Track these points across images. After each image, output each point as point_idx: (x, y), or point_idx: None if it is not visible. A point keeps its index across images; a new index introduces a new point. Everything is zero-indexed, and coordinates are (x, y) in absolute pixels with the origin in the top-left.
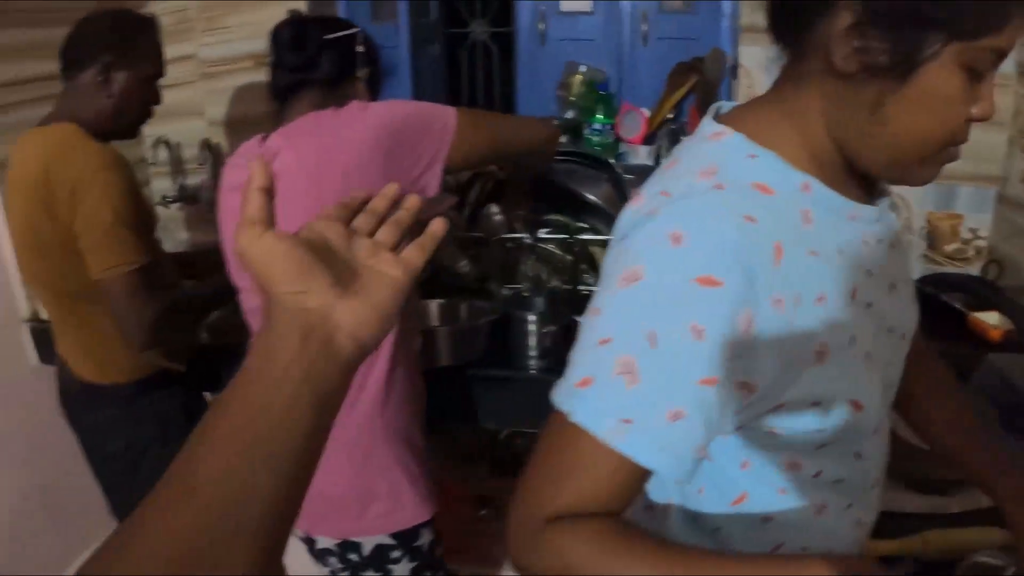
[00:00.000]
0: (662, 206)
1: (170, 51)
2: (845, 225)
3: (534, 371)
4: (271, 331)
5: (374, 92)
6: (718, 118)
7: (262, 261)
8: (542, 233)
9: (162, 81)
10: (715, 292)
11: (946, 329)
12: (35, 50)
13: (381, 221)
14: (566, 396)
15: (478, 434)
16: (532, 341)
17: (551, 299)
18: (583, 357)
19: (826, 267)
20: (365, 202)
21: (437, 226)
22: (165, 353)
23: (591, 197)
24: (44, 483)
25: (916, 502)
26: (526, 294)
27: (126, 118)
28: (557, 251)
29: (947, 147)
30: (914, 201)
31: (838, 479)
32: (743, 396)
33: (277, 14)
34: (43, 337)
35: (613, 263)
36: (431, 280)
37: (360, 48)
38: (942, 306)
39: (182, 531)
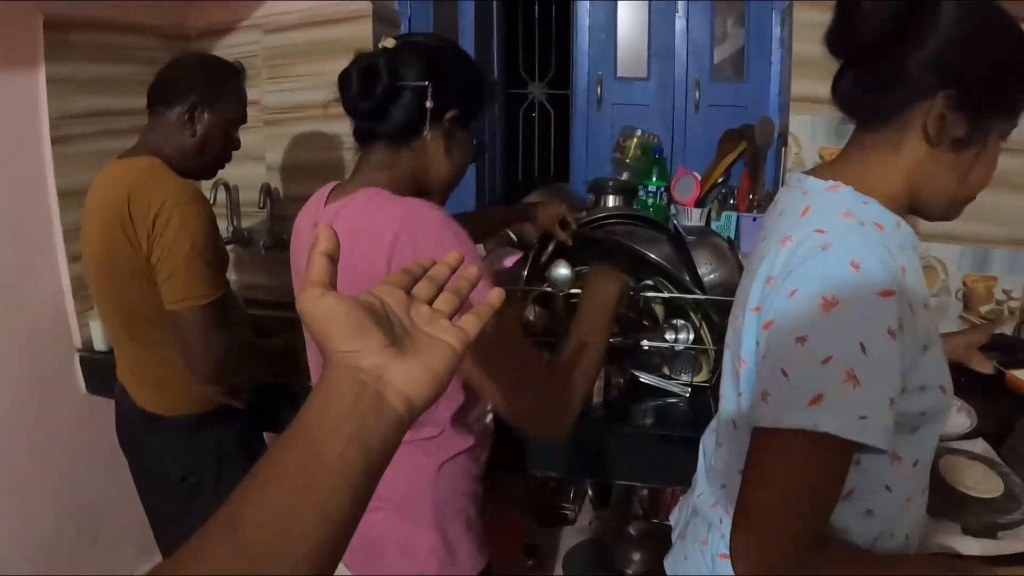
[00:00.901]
0: (832, 241)
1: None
2: (913, 251)
3: (596, 422)
4: (326, 386)
5: (468, 146)
6: (814, 174)
7: (321, 321)
8: None
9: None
10: (892, 301)
11: (984, 387)
12: (104, 84)
13: (440, 289)
14: (803, 415)
15: (527, 482)
16: (597, 385)
17: (614, 353)
18: (806, 379)
19: (920, 283)
20: (426, 270)
21: (494, 296)
22: (227, 390)
23: (652, 256)
24: (83, 510)
25: (972, 546)
26: None
27: (205, 158)
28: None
29: None
30: (951, 264)
31: (925, 464)
32: None
33: (340, 68)
34: (93, 367)
35: (791, 292)
36: None
37: (439, 108)
38: None
39: (224, 568)
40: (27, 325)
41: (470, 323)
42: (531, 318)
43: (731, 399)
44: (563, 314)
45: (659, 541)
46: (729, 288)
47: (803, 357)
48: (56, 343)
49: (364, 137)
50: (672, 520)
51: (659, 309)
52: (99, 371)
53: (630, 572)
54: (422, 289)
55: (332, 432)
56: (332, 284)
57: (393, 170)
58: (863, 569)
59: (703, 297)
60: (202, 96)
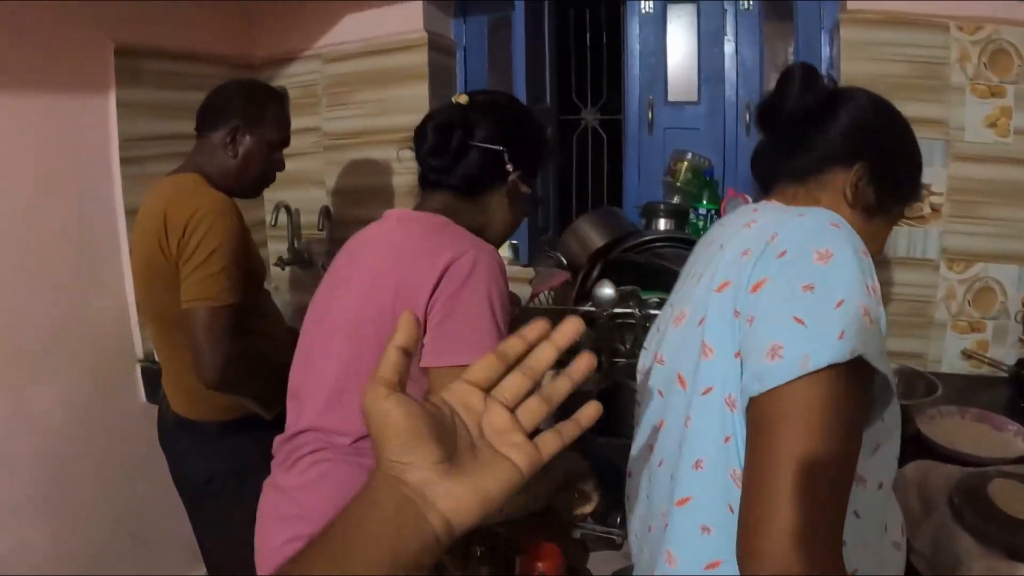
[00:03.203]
0: (805, 212)
1: (296, 122)
2: None
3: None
4: (368, 495)
5: (527, 200)
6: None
7: (379, 422)
8: (650, 310)
9: (287, 150)
10: (870, 260)
11: None
12: (171, 110)
13: (534, 384)
14: (835, 348)
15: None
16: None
17: None
18: (825, 321)
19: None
20: (528, 349)
21: (591, 411)
22: (253, 398)
23: None
24: (137, 516)
25: (1021, 571)
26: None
27: (246, 178)
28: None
29: None
30: (1009, 286)
31: (887, 488)
32: None
33: (397, 95)
34: (151, 377)
35: (780, 252)
36: None
37: (510, 168)
38: None
39: None
40: (92, 336)
41: (548, 443)
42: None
43: (677, 410)
44: (608, 332)
45: None
46: None
47: (816, 303)
48: (119, 354)
49: (430, 186)
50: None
51: None
52: (156, 381)
53: None
54: (510, 387)
55: (364, 548)
56: (402, 384)
57: (454, 217)
58: None
59: None
60: (244, 119)
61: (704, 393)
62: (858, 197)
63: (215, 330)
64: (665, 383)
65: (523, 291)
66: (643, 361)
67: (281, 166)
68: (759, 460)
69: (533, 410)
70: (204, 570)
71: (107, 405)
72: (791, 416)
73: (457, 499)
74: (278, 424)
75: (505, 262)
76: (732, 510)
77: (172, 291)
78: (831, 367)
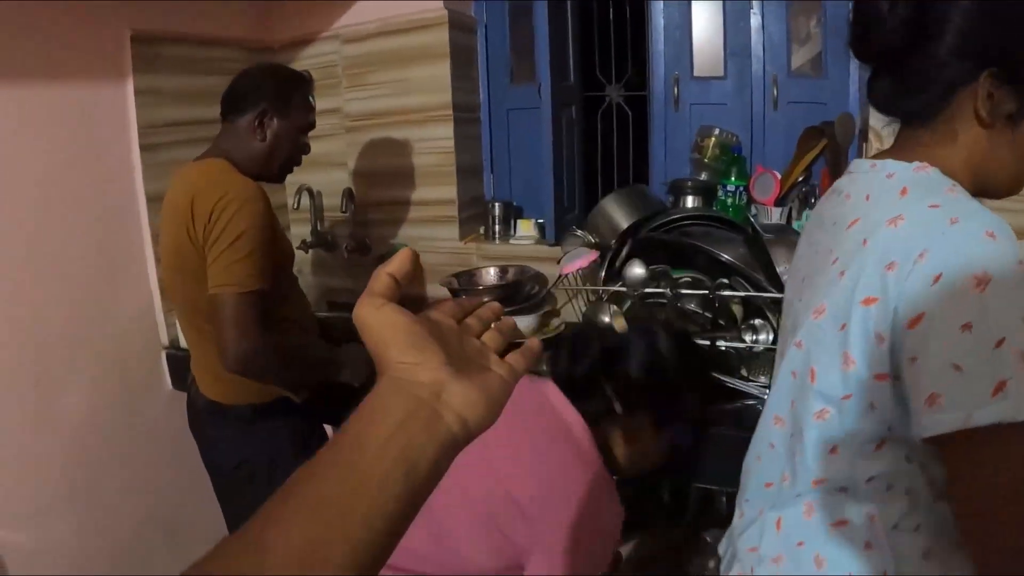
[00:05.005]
0: (957, 215)
1: (317, 104)
2: None
3: None
4: (377, 400)
5: None
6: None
7: (380, 331)
8: (681, 289)
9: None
10: None
11: None
12: (190, 95)
13: (485, 328)
14: (995, 408)
15: None
16: None
17: None
18: (984, 368)
19: None
20: (474, 308)
21: (534, 344)
22: (280, 384)
23: (725, 256)
24: (165, 505)
25: None
26: None
27: (275, 162)
28: (696, 308)
29: None
30: None
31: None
32: None
33: (418, 74)
34: (178, 364)
35: (935, 277)
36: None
37: None
38: None
39: None
40: (117, 325)
41: (519, 360)
42: (607, 319)
43: (808, 407)
44: (640, 313)
45: None
46: None
47: (974, 345)
48: (144, 342)
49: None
50: (720, 549)
51: (737, 310)
52: (184, 368)
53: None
54: (471, 325)
55: (378, 453)
56: (392, 298)
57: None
58: None
59: (780, 295)
60: (272, 104)
61: (844, 399)
62: (995, 110)
63: (241, 316)
64: (802, 368)
65: (551, 271)
66: (781, 334)
67: (307, 149)
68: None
69: (494, 339)
70: None
71: (134, 395)
72: (964, 472)
73: (469, 398)
74: (311, 410)
75: (530, 241)
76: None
77: (200, 277)
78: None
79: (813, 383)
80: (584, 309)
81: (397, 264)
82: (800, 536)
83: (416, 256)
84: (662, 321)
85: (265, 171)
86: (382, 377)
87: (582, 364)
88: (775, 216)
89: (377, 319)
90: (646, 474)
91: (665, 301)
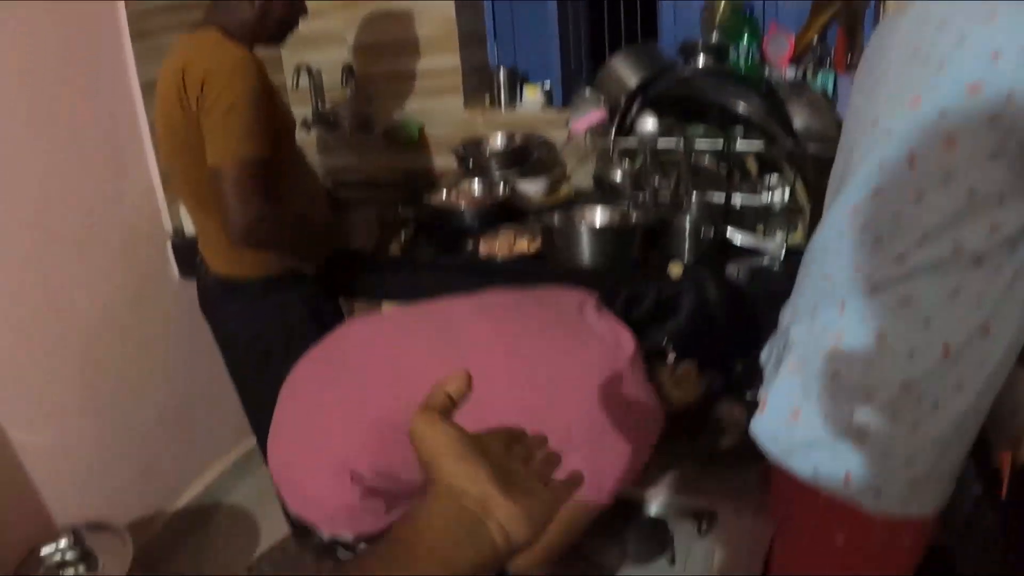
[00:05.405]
0: None
1: None
2: None
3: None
4: (427, 506)
5: None
6: None
7: (434, 442)
8: (695, 145)
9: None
10: None
11: None
12: None
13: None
14: None
15: None
16: (686, 245)
17: (705, 206)
18: None
19: None
20: (521, 436)
21: (578, 475)
22: (290, 254)
23: (743, 109)
24: (180, 395)
25: None
26: (683, 200)
27: (270, 22)
28: (709, 163)
29: None
30: None
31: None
32: None
33: None
34: (184, 252)
35: None
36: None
37: None
38: None
39: None
40: (120, 218)
41: (562, 489)
42: (617, 180)
43: (904, 195)
44: (650, 171)
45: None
46: (828, 143)
47: None
48: (149, 233)
49: None
50: (762, 359)
51: (752, 165)
52: (190, 255)
53: (723, 445)
54: (518, 451)
55: (425, 557)
56: (449, 417)
57: None
58: None
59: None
60: None
61: (944, 180)
62: None
63: (242, 185)
64: (895, 157)
65: (559, 136)
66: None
67: (304, 8)
68: None
69: (544, 467)
70: (255, 441)
71: (142, 286)
72: None
73: (513, 512)
74: (323, 281)
75: (537, 107)
76: None
77: (199, 152)
78: None
79: (913, 170)
80: (595, 171)
81: (455, 385)
82: (866, 312)
83: (471, 379)
84: (710, 268)
85: (261, 33)
86: (431, 486)
87: (637, 311)
88: (789, 75)
89: (432, 431)
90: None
91: (678, 158)
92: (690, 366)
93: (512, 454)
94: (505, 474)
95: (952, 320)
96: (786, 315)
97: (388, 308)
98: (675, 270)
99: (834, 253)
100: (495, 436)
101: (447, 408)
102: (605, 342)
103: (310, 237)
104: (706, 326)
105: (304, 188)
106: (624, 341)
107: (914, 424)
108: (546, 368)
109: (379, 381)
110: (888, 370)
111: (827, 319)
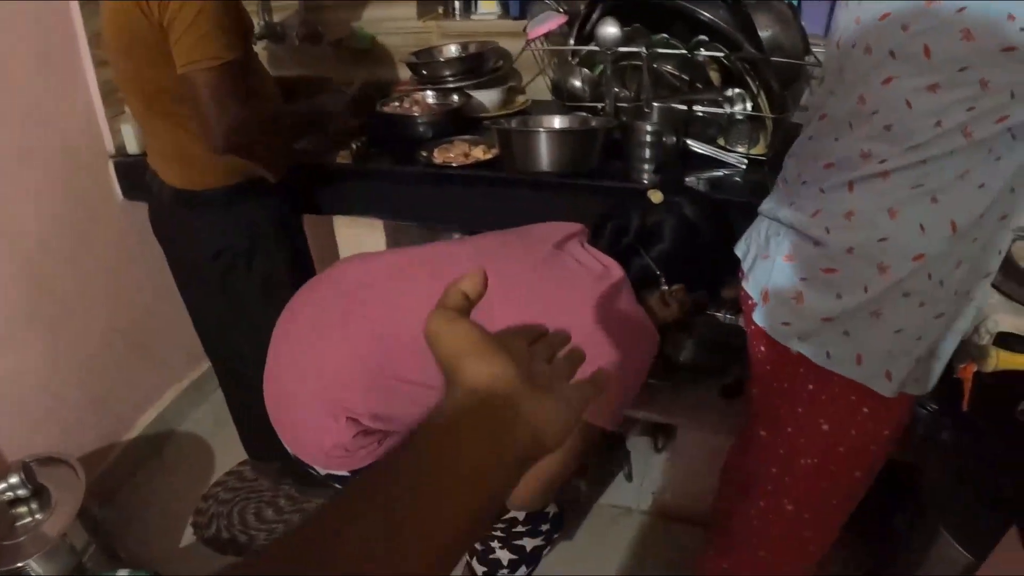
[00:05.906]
0: None
1: None
2: None
3: (646, 183)
4: (452, 408)
5: None
6: None
7: (454, 341)
8: (659, 49)
9: None
10: None
11: None
12: None
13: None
14: None
15: None
16: (647, 153)
17: (666, 115)
18: None
19: None
20: (543, 334)
21: (602, 374)
22: (250, 159)
23: (706, 15)
24: (129, 321)
25: None
26: (644, 108)
27: None
28: (672, 70)
29: None
30: None
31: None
32: None
33: None
34: (128, 172)
35: None
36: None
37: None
38: None
39: None
40: (60, 137)
41: (586, 388)
42: (577, 84)
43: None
44: (611, 78)
45: (714, 326)
46: (792, 54)
47: None
48: (90, 152)
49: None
50: (739, 251)
51: (715, 76)
52: (134, 175)
53: (682, 359)
54: (539, 349)
55: (451, 462)
56: (466, 314)
57: None
58: None
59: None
60: None
61: (960, 70)
62: None
63: (219, 90)
64: (909, 47)
65: (515, 46)
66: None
67: None
68: None
69: (566, 365)
70: (208, 366)
71: (86, 209)
72: None
73: (541, 414)
74: (286, 191)
75: (493, 17)
76: None
77: (157, 57)
78: None
79: (928, 58)
80: (553, 79)
81: (470, 284)
82: (879, 189)
83: (487, 277)
84: (689, 192)
85: None
86: (453, 387)
87: (624, 240)
88: None
89: (451, 330)
90: (667, 329)
91: (640, 63)
92: (680, 288)
93: (535, 353)
94: (530, 374)
95: (959, 199)
96: (768, 205)
97: (339, 221)
98: (655, 196)
99: (839, 142)
100: (517, 334)
101: (463, 308)
102: (594, 272)
103: (287, 134)
104: (690, 248)
105: (266, 91)
106: (612, 268)
107: (922, 301)
108: (540, 303)
109: (378, 324)
110: (903, 245)
111: (834, 198)
